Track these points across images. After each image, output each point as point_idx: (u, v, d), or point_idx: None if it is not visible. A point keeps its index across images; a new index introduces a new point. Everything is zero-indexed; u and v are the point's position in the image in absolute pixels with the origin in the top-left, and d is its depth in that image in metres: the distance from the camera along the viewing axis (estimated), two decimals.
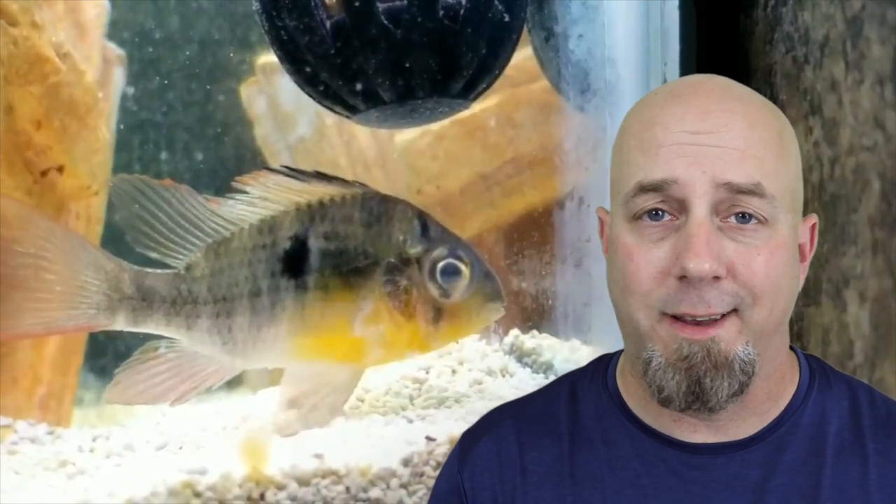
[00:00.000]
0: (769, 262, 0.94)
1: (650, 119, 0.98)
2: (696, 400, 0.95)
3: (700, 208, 0.93)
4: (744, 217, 0.94)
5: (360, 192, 1.56)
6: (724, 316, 0.94)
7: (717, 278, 0.93)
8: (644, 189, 0.95)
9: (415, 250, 1.54)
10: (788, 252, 0.96)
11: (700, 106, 0.96)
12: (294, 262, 1.53)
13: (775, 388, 1.01)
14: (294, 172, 1.55)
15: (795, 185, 0.99)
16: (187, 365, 1.53)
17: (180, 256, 1.54)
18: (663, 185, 0.94)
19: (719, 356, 0.94)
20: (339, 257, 1.53)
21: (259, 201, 1.54)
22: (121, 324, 1.52)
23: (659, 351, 0.96)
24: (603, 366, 1.10)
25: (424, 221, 1.56)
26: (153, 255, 1.53)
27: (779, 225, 0.95)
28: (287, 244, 1.53)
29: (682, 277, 0.93)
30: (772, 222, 0.94)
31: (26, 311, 1.48)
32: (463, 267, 1.53)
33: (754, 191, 0.93)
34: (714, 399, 0.95)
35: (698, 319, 0.94)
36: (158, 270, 1.54)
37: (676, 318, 0.95)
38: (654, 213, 0.96)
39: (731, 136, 0.94)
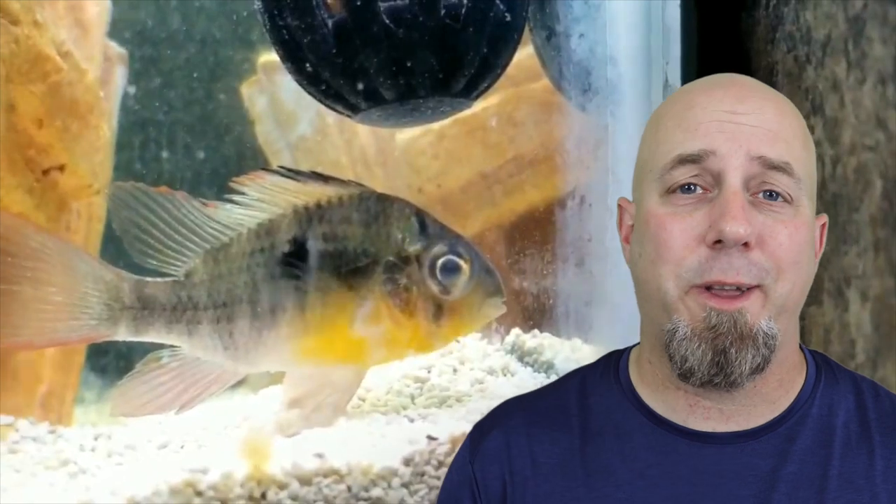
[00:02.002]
0: (793, 236, 0.98)
1: (689, 102, 1.03)
2: (720, 372, 0.98)
3: (735, 179, 0.98)
4: (772, 195, 0.99)
5: (358, 191, 1.56)
6: (749, 290, 0.97)
7: (747, 246, 0.96)
8: (683, 161, 1.00)
9: (414, 248, 1.54)
10: (809, 233, 1.01)
11: (737, 92, 1.02)
12: (293, 265, 1.53)
13: (786, 377, 1.04)
14: (291, 173, 1.55)
15: (814, 177, 1.05)
16: (190, 372, 1.54)
17: (179, 263, 1.54)
18: (702, 157, 0.99)
19: (745, 327, 0.97)
20: (338, 258, 1.53)
21: (256, 203, 1.55)
22: (122, 333, 1.52)
23: (685, 321, 0.99)
24: (614, 360, 1.13)
25: (422, 219, 1.56)
26: (151, 262, 1.53)
27: (802, 207, 1.00)
28: (286, 247, 1.54)
29: (717, 243, 0.97)
30: (796, 202, 0.99)
31: (28, 323, 1.48)
32: (462, 263, 1.53)
33: (784, 168, 0.98)
34: (737, 371, 0.98)
35: (726, 289, 0.97)
36: (158, 279, 1.54)
37: (704, 290, 0.98)
38: (688, 188, 1.00)
39: (765, 119, 1.00)
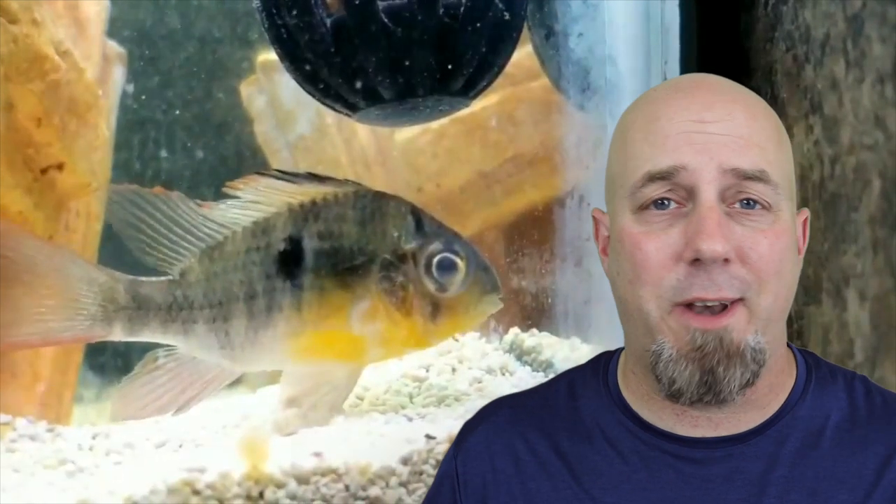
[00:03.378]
0: (774, 245, 0.96)
1: (654, 112, 1.00)
2: (709, 391, 0.96)
3: (709, 193, 0.95)
4: (748, 203, 0.96)
5: (353, 190, 1.56)
6: (732, 305, 0.95)
7: (726, 261, 0.94)
8: (653, 178, 0.97)
9: (410, 246, 1.53)
10: (790, 238, 0.99)
11: (703, 98, 0.99)
12: (289, 263, 1.53)
13: (776, 381, 1.02)
14: (285, 175, 1.55)
15: (791, 175, 1.02)
16: (187, 373, 1.54)
17: (174, 263, 1.54)
18: (672, 173, 0.96)
19: (731, 345, 0.95)
20: (334, 256, 1.53)
21: (251, 205, 1.54)
22: (118, 334, 1.52)
23: (670, 343, 0.96)
24: (603, 363, 1.11)
25: (418, 217, 1.55)
26: (147, 261, 1.54)
27: (781, 212, 0.97)
28: (281, 245, 1.53)
29: (695, 261, 0.94)
30: (775, 208, 0.97)
31: (23, 322, 1.48)
32: (458, 261, 1.52)
33: (759, 177, 0.96)
34: (726, 390, 0.96)
35: (709, 305, 0.95)
36: (153, 278, 1.54)
37: (687, 309, 0.96)
38: (661, 203, 0.97)
39: (735, 125, 0.97)
